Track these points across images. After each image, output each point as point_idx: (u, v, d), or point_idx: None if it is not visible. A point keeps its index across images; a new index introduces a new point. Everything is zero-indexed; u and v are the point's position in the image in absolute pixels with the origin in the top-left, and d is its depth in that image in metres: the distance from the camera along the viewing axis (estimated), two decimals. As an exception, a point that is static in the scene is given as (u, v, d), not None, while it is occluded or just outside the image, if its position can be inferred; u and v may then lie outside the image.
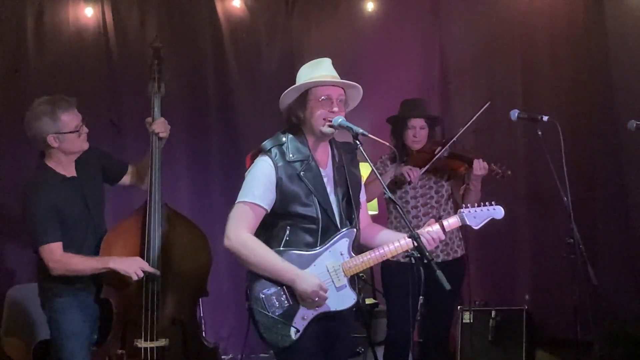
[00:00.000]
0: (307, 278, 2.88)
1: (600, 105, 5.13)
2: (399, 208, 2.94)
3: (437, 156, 4.09)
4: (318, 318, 2.93)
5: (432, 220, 3.09)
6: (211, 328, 5.20)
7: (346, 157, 3.10)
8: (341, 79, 3.02)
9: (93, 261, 3.46)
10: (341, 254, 2.97)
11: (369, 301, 5.00)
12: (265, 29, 5.64)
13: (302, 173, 2.94)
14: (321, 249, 2.95)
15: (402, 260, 3.87)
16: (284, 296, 2.91)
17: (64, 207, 3.44)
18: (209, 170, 5.50)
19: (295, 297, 2.91)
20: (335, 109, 2.94)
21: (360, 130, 2.87)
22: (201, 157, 5.52)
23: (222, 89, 5.56)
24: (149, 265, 3.54)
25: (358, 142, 2.91)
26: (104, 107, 5.27)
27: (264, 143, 3.00)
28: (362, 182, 3.22)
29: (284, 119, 3.06)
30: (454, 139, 4.14)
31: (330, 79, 2.97)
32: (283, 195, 2.93)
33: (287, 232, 2.94)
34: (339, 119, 2.92)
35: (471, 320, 4.76)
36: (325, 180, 3.00)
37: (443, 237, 3.03)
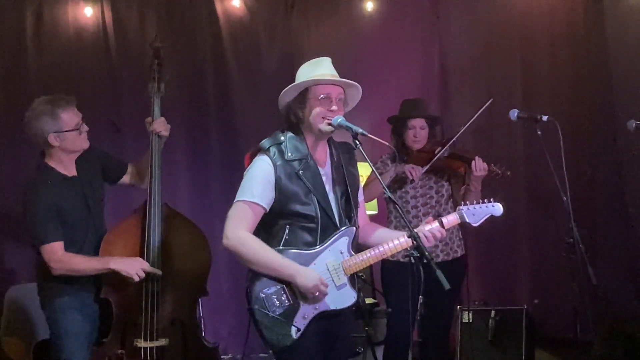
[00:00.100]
0: (307, 273, 2.88)
1: (599, 105, 5.13)
2: (398, 208, 2.94)
3: (438, 155, 4.09)
4: (318, 317, 2.93)
5: (431, 218, 3.08)
6: (211, 328, 5.20)
7: (344, 156, 3.10)
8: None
9: (94, 261, 3.47)
10: (341, 253, 2.97)
11: (368, 301, 4.99)
12: (264, 28, 5.64)
13: (300, 172, 2.94)
14: (321, 248, 2.95)
15: (401, 260, 3.90)
16: (285, 295, 2.91)
17: (64, 206, 3.45)
18: (208, 170, 5.51)
19: (296, 296, 2.91)
20: (334, 107, 2.94)
21: (360, 130, 2.87)
22: (201, 157, 5.52)
23: (221, 89, 5.57)
24: (149, 264, 3.54)
25: (358, 142, 2.91)
26: (103, 107, 5.27)
27: (262, 142, 3.00)
28: (361, 182, 3.22)
29: (283, 117, 3.06)
30: (456, 136, 4.14)
31: (331, 77, 2.98)
32: (282, 194, 2.93)
33: (287, 231, 2.94)
34: (339, 119, 2.92)
35: (471, 320, 4.75)
36: (324, 179, 3.01)
37: (444, 234, 3.03)
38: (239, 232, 2.91)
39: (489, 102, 4.17)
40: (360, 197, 3.21)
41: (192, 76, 5.51)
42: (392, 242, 2.99)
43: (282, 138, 2.99)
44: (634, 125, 3.77)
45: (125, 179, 3.81)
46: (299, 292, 2.92)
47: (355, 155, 3.13)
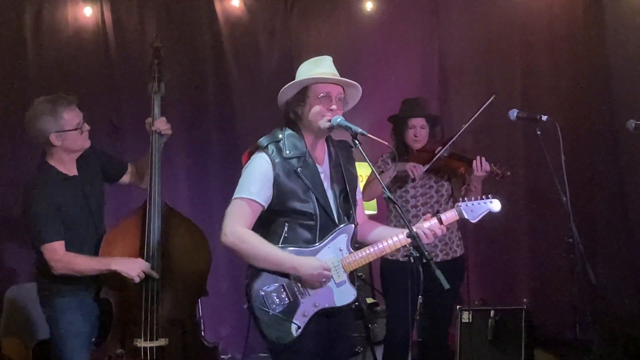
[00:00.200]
0: (309, 262, 2.88)
1: (599, 105, 5.12)
2: (397, 207, 2.94)
3: (438, 154, 4.09)
4: (318, 315, 2.94)
5: (429, 215, 3.07)
6: (211, 328, 5.19)
7: (342, 154, 3.11)
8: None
9: (95, 262, 3.46)
10: (340, 250, 2.98)
11: (368, 301, 4.99)
12: (264, 28, 5.64)
13: (299, 169, 2.95)
14: (320, 245, 2.95)
15: (401, 259, 3.91)
16: (285, 293, 2.92)
17: (65, 206, 3.44)
18: (208, 170, 5.50)
19: (296, 293, 2.92)
20: (334, 106, 2.95)
21: (360, 130, 2.88)
22: (201, 157, 5.52)
23: (221, 89, 5.57)
24: (149, 264, 3.54)
25: (357, 142, 2.91)
26: (103, 107, 5.26)
27: (260, 140, 3.00)
28: (360, 182, 3.22)
29: (282, 115, 3.06)
30: (458, 134, 4.12)
31: (331, 76, 2.98)
32: (280, 191, 2.94)
33: (286, 228, 2.95)
34: (338, 119, 2.92)
35: (470, 320, 4.75)
36: (322, 176, 3.01)
37: (444, 230, 3.02)
38: (238, 228, 2.91)
39: (491, 98, 4.15)
40: (359, 195, 3.21)
41: (192, 76, 5.51)
42: (392, 239, 2.98)
43: (281, 136, 3.00)
44: (633, 125, 3.77)
45: (125, 178, 3.81)
46: (299, 288, 2.92)
47: (353, 153, 3.14)
